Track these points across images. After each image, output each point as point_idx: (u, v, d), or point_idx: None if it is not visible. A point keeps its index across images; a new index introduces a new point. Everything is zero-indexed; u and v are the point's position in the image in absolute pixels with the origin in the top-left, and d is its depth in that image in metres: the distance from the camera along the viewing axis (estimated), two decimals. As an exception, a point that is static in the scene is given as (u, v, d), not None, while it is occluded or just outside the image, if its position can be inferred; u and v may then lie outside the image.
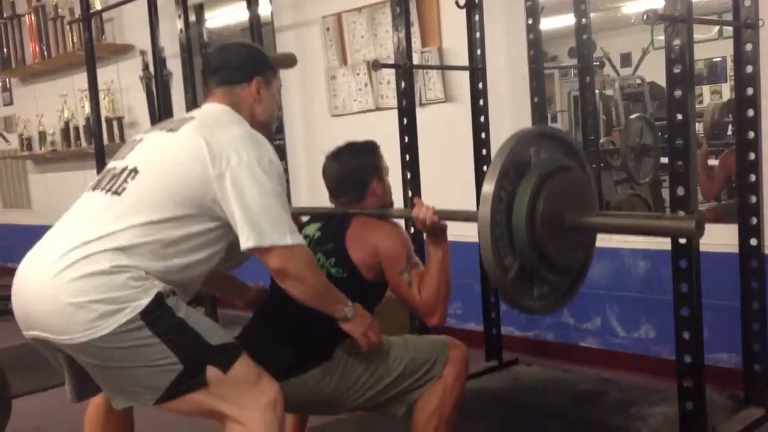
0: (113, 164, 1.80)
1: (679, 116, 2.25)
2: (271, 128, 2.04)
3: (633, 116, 4.22)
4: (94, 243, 1.60)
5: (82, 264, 1.57)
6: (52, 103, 6.12)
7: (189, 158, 1.69)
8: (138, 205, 1.66)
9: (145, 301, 1.57)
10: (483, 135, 3.31)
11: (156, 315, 1.58)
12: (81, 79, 5.33)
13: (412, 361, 2.08)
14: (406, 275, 2.06)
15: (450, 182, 3.67)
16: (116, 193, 1.69)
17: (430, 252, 2.10)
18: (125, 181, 1.70)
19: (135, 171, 1.71)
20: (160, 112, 4.50)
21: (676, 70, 2.23)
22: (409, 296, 2.06)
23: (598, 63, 4.44)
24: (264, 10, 4.47)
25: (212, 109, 1.88)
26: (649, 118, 4.21)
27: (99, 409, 1.99)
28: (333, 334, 1.97)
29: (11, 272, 1.73)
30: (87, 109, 5.43)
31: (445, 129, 3.69)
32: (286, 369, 1.96)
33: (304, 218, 2.36)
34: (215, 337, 1.67)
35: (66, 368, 1.77)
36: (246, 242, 1.66)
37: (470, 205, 3.33)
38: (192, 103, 4.18)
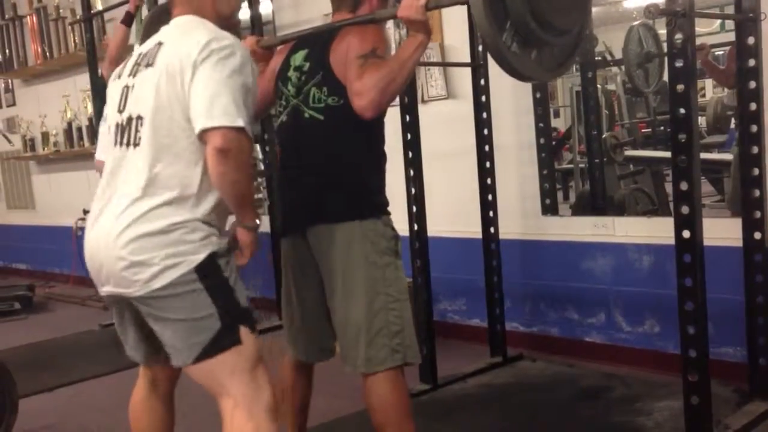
0: (118, 117, 1.84)
1: (682, 110, 2.25)
2: (234, 19, 2.00)
3: (634, 24, 4.08)
4: (143, 201, 1.72)
5: (140, 223, 1.71)
6: (55, 104, 6.13)
7: (169, 88, 1.73)
8: (158, 150, 1.74)
9: (201, 257, 1.73)
10: (485, 131, 3.30)
11: (207, 270, 1.73)
12: (83, 80, 5.35)
13: (406, 328, 2.07)
14: (363, 60, 1.94)
15: (453, 179, 3.68)
16: (135, 144, 1.77)
17: (400, 46, 2.02)
18: (137, 130, 1.77)
19: (140, 118, 1.77)
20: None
21: (678, 64, 2.23)
22: (352, 77, 1.95)
23: (600, 58, 4.43)
24: (265, 8, 4.47)
25: (178, 24, 1.86)
26: (649, 23, 4.08)
27: (142, 398, 2.07)
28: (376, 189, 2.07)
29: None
30: (89, 109, 5.45)
31: (447, 126, 3.69)
32: (330, 213, 2.05)
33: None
34: (245, 301, 1.81)
35: (130, 326, 1.93)
36: (196, 127, 1.69)
37: (474, 205, 3.36)
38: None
